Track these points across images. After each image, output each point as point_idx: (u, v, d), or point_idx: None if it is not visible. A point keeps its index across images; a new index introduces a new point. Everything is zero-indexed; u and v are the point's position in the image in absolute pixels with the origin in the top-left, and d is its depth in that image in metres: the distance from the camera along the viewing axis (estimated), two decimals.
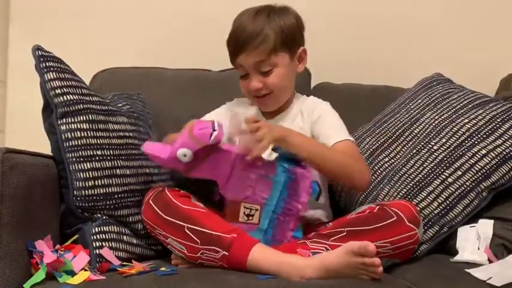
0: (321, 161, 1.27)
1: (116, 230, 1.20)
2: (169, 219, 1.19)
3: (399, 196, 1.33)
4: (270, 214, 1.20)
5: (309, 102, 1.46)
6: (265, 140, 1.17)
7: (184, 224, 1.17)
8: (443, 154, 1.34)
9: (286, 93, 1.43)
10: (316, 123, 1.40)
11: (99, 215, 1.19)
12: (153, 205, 1.22)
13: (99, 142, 1.22)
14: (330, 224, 1.26)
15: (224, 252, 1.13)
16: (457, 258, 1.22)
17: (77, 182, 1.18)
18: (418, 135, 1.43)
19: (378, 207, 1.20)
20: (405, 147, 1.43)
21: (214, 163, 1.19)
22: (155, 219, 1.21)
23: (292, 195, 1.21)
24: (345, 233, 1.17)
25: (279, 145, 1.20)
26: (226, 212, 1.24)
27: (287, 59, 1.37)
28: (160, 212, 1.20)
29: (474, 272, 1.09)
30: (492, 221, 1.27)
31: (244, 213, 1.21)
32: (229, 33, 1.39)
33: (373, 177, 1.41)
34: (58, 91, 1.19)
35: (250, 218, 1.21)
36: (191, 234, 1.16)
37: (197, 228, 1.16)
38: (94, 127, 1.22)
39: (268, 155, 1.16)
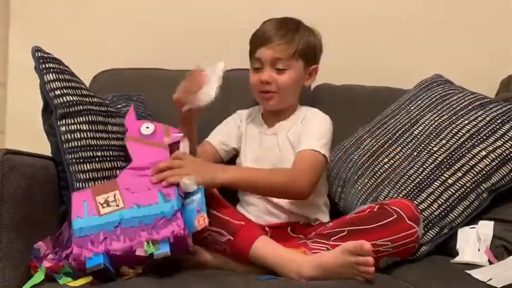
0: (253, 188, 1.31)
1: None
2: None
3: (399, 198, 1.32)
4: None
5: (308, 113, 1.47)
6: (179, 171, 1.15)
7: None
8: (444, 155, 1.34)
9: (290, 97, 1.45)
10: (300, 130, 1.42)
11: None
12: None
13: (98, 143, 1.22)
14: (330, 224, 1.26)
15: (230, 237, 1.15)
16: (457, 259, 1.22)
17: (77, 183, 1.17)
18: (418, 136, 1.43)
19: (377, 206, 1.21)
20: (405, 149, 1.43)
21: (147, 150, 1.21)
22: None
23: (149, 227, 1.07)
24: (345, 233, 1.17)
25: (206, 187, 1.16)
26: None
27: (302, 67, 1.43)
28: None
29: (474, 273, 1.09)
30: (492, 223, 1.27)
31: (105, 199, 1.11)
32: (257, 29, 1.45)
33: (373, 179, 1.41)
34: (58, 92, 1.19)
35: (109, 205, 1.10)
36: None
37: (209, 209, 1.17)
38: (94, 128, 1.22)
39: (186, 185, 1.12)
